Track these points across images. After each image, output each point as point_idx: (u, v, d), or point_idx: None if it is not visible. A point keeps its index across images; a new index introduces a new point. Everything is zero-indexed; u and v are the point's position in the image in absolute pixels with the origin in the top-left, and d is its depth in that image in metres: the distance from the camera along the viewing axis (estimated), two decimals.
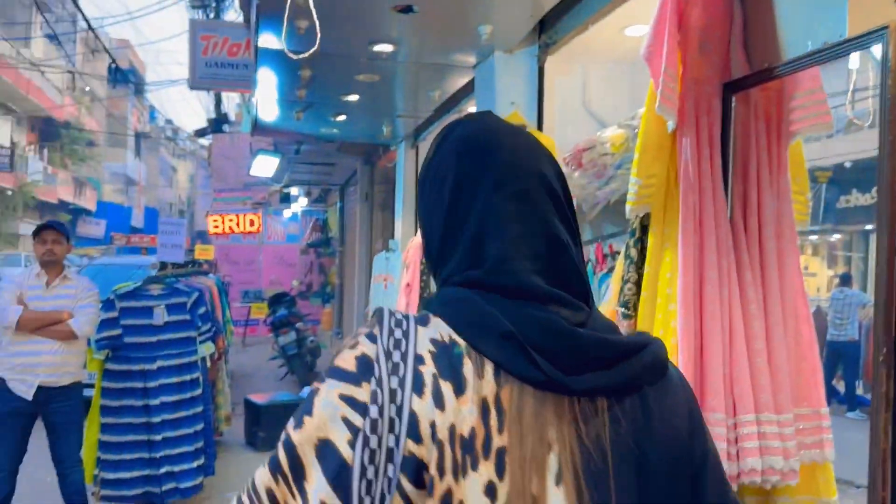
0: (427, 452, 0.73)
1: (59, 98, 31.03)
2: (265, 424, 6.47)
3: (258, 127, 6.90)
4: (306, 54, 3.18)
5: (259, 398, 6.94)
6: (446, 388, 0.75)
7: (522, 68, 4.29)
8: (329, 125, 6.63)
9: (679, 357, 1.98)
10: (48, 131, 31.67)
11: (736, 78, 2.19)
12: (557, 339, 0.76)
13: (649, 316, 2.11)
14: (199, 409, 4.94)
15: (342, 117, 6.24)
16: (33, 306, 4.11)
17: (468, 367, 0.76)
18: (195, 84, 9.53)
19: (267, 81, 5.30)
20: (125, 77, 35.69)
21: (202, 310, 4.97)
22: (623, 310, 2.15)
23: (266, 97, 5.93)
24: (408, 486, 0.73)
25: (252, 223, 13.55)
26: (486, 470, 0.73)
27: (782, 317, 2.10)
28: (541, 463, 0.74)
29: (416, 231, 6.24)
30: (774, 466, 1.97)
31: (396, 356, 0.76)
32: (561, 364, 0.75)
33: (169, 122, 51.17)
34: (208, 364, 5.18)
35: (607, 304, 2.26)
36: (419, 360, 0.76)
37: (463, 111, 5.59)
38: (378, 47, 4.33)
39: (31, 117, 30.15)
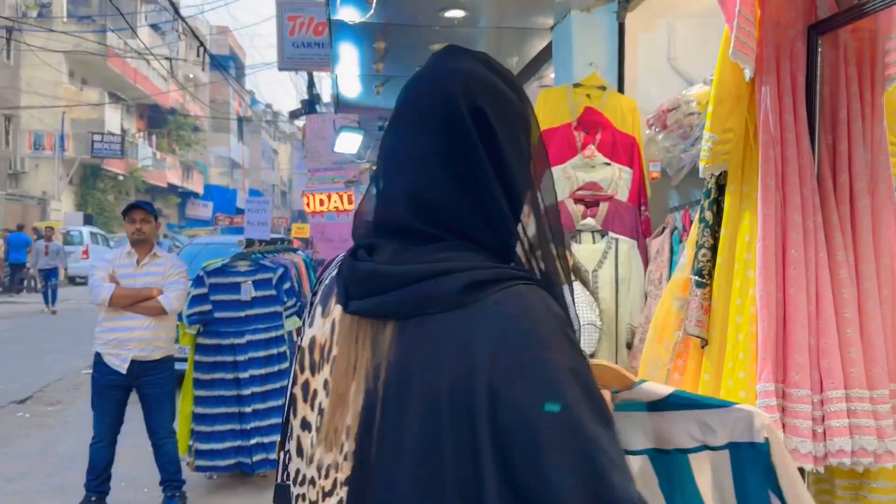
0: (299, 354, 1.00)
1: (165, 86, 32.52)
2: None
3: (341, 104, 6.94)
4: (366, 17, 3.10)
5: None
6: (317, 311, 0.99)
7: (601, 26, 4.08)
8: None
9: (759, 328, 1.82)
10: (155, 118, 33.30)
11: (823, 18, 1.96)
12: (354, 274, 0.91)
13: (726, 284, 1.95)
14: (287, 381, 5.05)
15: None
16: (124, 284, 4.28)
17: (332, 297, 0.96)
18: (283, 65, 9.71)
19: (345, 57, 5.30)
20: (223, 63, 37.01)
21: (287, 285, 5.06)
22: (697, 277, 1.99)
23: (346, 73, 5.94)
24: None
25: (342, 201, 13.76)
26: (327, 370, 0.94)
27: (877, 282, 1.89)
28: (349, 369, 0.90)
29: None
30: (867, 447, 1.77)
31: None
32: (353, 293, 0.90)
33: (269, 106, 52.84)
34: (295, 338, 5.28)
35: (681, 270, 2.10)
36: (315, 293, 1.04)
37: (543, 77, 5.41)
38: (450, 13, 4.23)
39: (140, 105, 31.80)
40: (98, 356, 4.25)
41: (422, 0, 4.10)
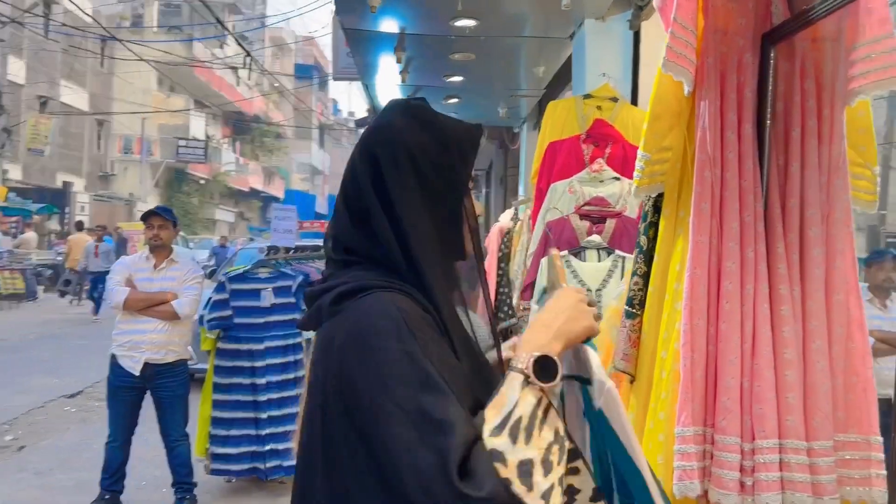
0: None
1: (249, 94, 33.65)
2: None
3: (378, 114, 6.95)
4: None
5: None
6: None
7: (615, 35, 3.91)
8: (445, 109, 6.53)
9: (681, 366, 1.65)
10: (240, 125, 34.50)
11: (777, 25, 1.78)
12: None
13: (656, 315, 1.79)
14: (303, 389, 5.06)
15: (454, 100, 6.12)
16: (141, 287, 4.38)
17: None
18: (338, 75, 9.84)
19: (372, 67, 5.29)
20: (306, 72, 38.00)
21: None
22: (627, 307, 1.84)
23: (379, 83, 5.94)
24: None
25: None
26: None
27: (826, 321, 1.69)
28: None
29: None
30: None
31: None
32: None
33: (351, 113, 53.93)
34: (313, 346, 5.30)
35: (619, 299, 1.95)
36: None
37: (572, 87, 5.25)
38: (460, 23, 4.15)
39: (225, 112, 33.02)
40: (113, 358, 4.36)
41: (432, 10, 4.03)
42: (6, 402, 6.91)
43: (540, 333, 1.06)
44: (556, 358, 1.02)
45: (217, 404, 4.92)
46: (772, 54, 1.78)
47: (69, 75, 24.49)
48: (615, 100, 3.83)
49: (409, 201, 1.11)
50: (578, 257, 3.57)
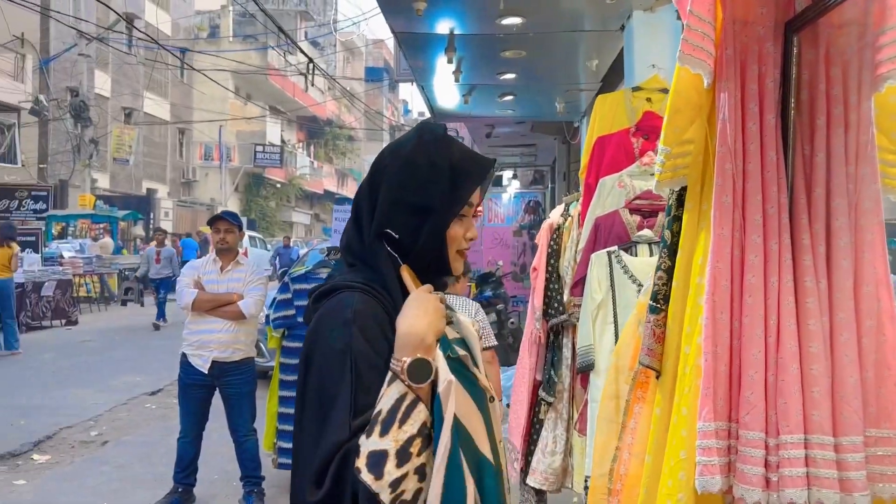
0: None
1: (322, 98, 34.38)
2: None
3: (438, 114, 7.02)
4: None
5: None
6: None
7: (663, 26, 3.86)
8: (501, 106, 6.55)
9: (703, 362, 1.64)
10: (313, 129, 35.30)
11: (799, 12, 1.74)
12: None
13: (679, 310, 1.78)
14: None
15: (509, 97, 6.13)
16: (209, 289, 4.59)
17: None
18: (399, 77, 9.96)
19: (425, 68, 5.36)
20: (377, 75, 38.52)
21: None
22: (652, 302, 1.83)
23: (435, 84, 6.01)
24: None
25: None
26: None
27: (854, 313, 1.65)
28: None
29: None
30: (825, 502, 1.55)
31: None
32: None
33: (421, 113, 54.35)
34: None
35: (646, 294, 1.95)
36: None
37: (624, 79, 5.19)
38: (507, 21, 4.17)
39: (299, 117, 33.85)
40: (184, 356, 4.59)
41: (478, 10, 4.06)
42: (92, 399, 7.34)
43: (415, 329, 1.14)
44: (431, 360, 1.12)
45: (283, 400, 5.09)
46: (794, 42, 1.74)
47: (151, 87, 25.63)
48: (665, 91, 3.77)
49: (393, 213, 1.25)
50: (629, 252, 3.53)
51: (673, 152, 1.80)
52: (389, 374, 1.11)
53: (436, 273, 1.31)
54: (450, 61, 4.84)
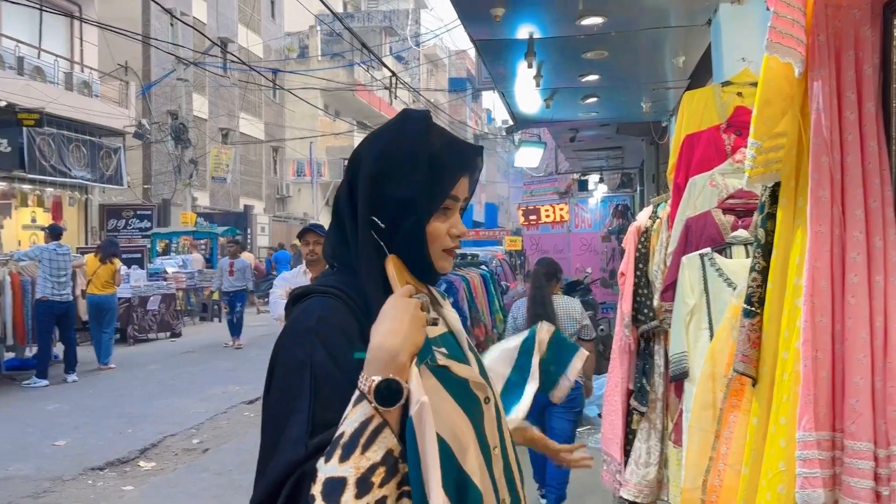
0: None
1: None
2: None
3: (520, 120, 6.98)
4: None
5: None
6: None
7: (752, 18, 3.69)
8: (584, 109, 6.45)
9: (802, 368, 1.54)
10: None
11: None
12: None
13: (776, 313, 1.68)
14: None
15: (592, 99, 6.02)
16: None
17: None
18: (480, 85, 9.98)
19: (504, 74, 5.34)
20: (460, 85, 38.78)
21: (450, 300, 5.19)
22: (746, 305, 1.74)
23: (517, 89, 5.97)
24: None
25: (548, 213, 13.73)
26: None
27: None
28: None
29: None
30: None
31: None
32: None
33: (504, 121, 54.32)
34: None
35: (739, 296, 1.85)
36: None
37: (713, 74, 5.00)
38: (587, 21, 4.10)
39: None
40: None
41: (556, 12, 4.01)
42: (193, 408, 7.66)
43: (387, 345, 1.01)
44: (401, 381, 0.99)
45: None
46: (895, 24, 1.62)
47: (246, 108, 26.69)
48: (756, 85, 3.61)
49: (372, 205, 1.16)
50: (723, 254, 3.38)
51: (764, 146, 1.70)
52: (356, 392, 0.99)
53: (420, 273, 1.21)
54: (530, 66, 4.80)
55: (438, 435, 1.01)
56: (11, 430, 6.72)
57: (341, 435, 0.97)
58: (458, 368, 1.14)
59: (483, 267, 7.04)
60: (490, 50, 4.70)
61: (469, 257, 7.12)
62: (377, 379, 0.98)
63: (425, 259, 1.20)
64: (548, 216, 14.80)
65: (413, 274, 1.20)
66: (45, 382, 8.79)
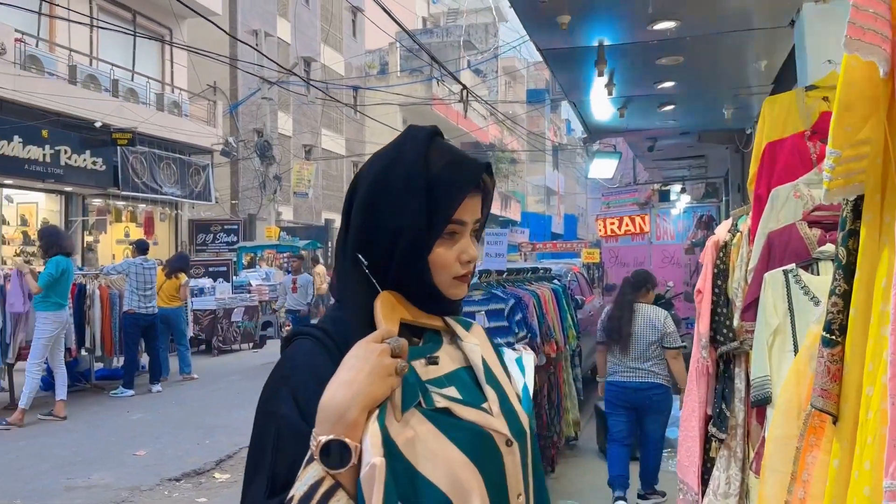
0: None
1: (483, 123, 34.92)
2: None
3: (594, 130, 6.79)
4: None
5: None
6: None
7: (838, 17, 3.40)
8: (661, 117, 6.21)
9: (889, 406, 1.35)
10: (476, 154, 35.89)
11: None
12: None
13: (860, 343, 1.49)
14: None
15: (669, 107, 5.78)
16: None
17: None
18: (555, 96, 9.82)
19: (574, 84, 5.20)
20: (538, 96, 38.57)
21: (518, 316, 5.07)
22: (825, 333, 1.55)
23: (590, 99, 5.81)
24: None
25: (628, 224, 13.36)
26: None
27: None
28: None
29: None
30: None
31: None
32: None
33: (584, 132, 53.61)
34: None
35: (818, 323, 1.66)
36: None
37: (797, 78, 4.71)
38: (659, 26, 3.92)
39: (462, 144, 34.53)
40: None
41: (626, 18, 3.85)
42: None
43: (336, 399, 0.91)
44: (348, 442, 0.89)
45: None
46: None
47: (327, 124, 27.31)
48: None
49: (365, 235, 1.09)
50: (809, 270, 3.14)
51: (844, 155, 1.52)
52: (308, 452, 0.91)
53: (429, 305, 1.11)
54: (601, 74, 4.64)
55: (433, 484, 0.94)
56: (97, 439, 6.97)
57: (290, 499, 0.89)
58: (462, 411, 1.02)
59: (556, 281, 6.86)
60: (559, 59, 4.56)
61: (541, 271, 6.94)
62: (323, 439, 0.89)
63: (432, 290, 1.11)
64: (628, 228, 14.43)
65: (422, 307, 1.11)
66: (131, 392, 9.12)
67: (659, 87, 5.20)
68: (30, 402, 7.35)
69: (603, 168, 8.99)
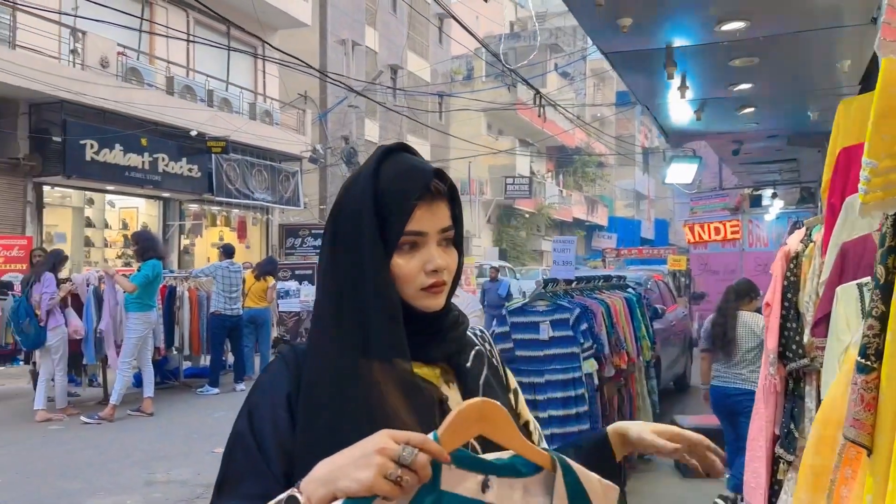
0: None
1: (570, 127, 34.50)
2: None
3: (670, 135, 6.58)
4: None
5: (690, 419, 6.58)
6: None
7: None
8: (742, 120, 5.94)
9: None
10: (562, 158, 35.52)
11: None
12: None
13: None
14: (586, 425, 4.93)
15: (749, 110, 5.53)
16: None
17: None
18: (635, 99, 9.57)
19: (643, 87, 5.06)
20: (627, 99, 37.76)
21: (584, 326, 4.97)
22: (860, 359, 1.43)
23: (662, 102, 5.64)
24: None
25: (717, 231, 12.85)
26: None
27: None
28: None
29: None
30: None
31: None
32: None
33: None
34: (595, 381, 5.12)
35: (855, 347, 1.54)
36: None
37: None
38: (728, 27, 3.75)
39: (548, 148, 34.25)
40: None
41: (691, 19, 3.72)
42: None
43: (317, 471, 0.88)
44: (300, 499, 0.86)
45: None
46: None
47: (413, 130, 27.66)
48: None
49: (324, 256, 1.12)
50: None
51: (882, 166, 1.41)
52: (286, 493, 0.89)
53: (408, 322, 1.06)
54: (670, 77, 4.48)
55: None
56: (180, 435, 7.28)
57: None
58: None
59: (630, 289, 6.67)
60: (625, 63, 4.44)
61: (614, 279, 6.77)
62: (290, 490, 0.89)
63: (399, 308, 1.06)
64: (717, 234, 13.90)
65: (410, 324, 1.06)
66: (215, 391, 9.48)
67: (735, 89, 4.98)
68: (120, 398, 7.75)
69: (681, 173, 8.68)
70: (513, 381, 1.27)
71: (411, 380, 1.05)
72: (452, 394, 1.12)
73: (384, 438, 0.86)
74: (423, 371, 1.09)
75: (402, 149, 1.13)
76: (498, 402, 0.95)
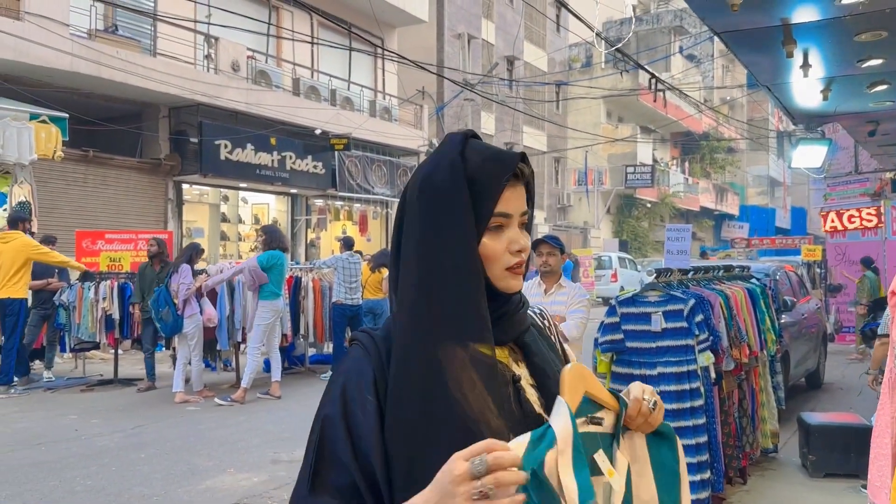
0: None
1: (697, 112, 33.11)
2: (814, 446, 5.76)
3: (797, 115, 6.23)
4: None
5: (818, 416, 6.22)
6: None
7: None
8: (875, 97, 5.53)
9: None
10: (688, 145, 34.13)
11: None
12: None
13: None
14: (701, 420, 4.76)
15: (882, 87, 5.14)
16: None
17: None
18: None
19: (762, 67, 4.82)
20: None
21: (699, 317, 4.79)
22: None
23: (784, 82, 5.35)
24: None
25: (854, 218, 11.97)
26: None
27: None
28: None
29: None
30: None
31: None
32: None
33: None
34: (711, 375, 4.94)
35: None
36: None
37: None
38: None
39: (673, 134, 33.03)
40: None
41: None
42: None
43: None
44: None
45: None
46: None
47: (529, 121, 27.52)
48: None
49: (410, 242, 1.11)
50: None
51: None
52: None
53: (492, 299, 1.10)
54: (790, 55, 4.25)
55: None
56: (304, 417, 7.64)
57: None
58: None
59: (754, 280, 6.35)
60: (741, 42, 4.24)
61: (736, 269, 6.48)
62: None
63: (485, 289, 1.09)
64: (852, 221, 12.97)
65: (492, 303, 1.10)
66: None
67: (864, 65, 4.64)
68: (251, 381, 8.25)
69: (809, 156, 8.15)
70: (572, 357, 1.29)
71: (494, 362, 1.08)
72: (522, 372, 1.16)
73: (456, 465, 0.90)
74: (497, 352, 1.12)
75: (476, 136, 1.17)
76: (581, 365, 1.06)
